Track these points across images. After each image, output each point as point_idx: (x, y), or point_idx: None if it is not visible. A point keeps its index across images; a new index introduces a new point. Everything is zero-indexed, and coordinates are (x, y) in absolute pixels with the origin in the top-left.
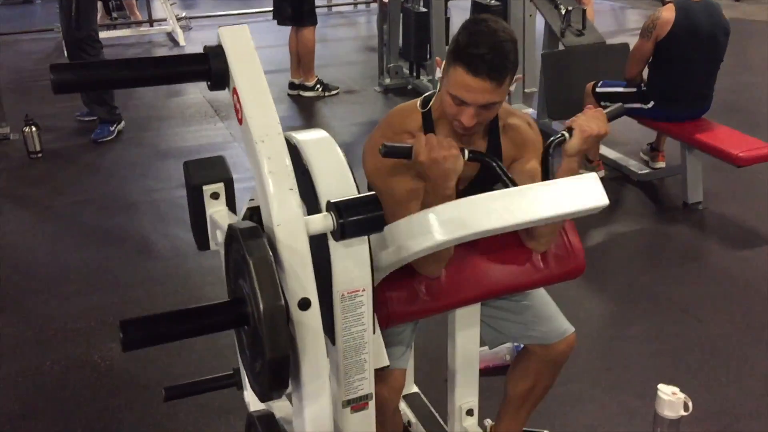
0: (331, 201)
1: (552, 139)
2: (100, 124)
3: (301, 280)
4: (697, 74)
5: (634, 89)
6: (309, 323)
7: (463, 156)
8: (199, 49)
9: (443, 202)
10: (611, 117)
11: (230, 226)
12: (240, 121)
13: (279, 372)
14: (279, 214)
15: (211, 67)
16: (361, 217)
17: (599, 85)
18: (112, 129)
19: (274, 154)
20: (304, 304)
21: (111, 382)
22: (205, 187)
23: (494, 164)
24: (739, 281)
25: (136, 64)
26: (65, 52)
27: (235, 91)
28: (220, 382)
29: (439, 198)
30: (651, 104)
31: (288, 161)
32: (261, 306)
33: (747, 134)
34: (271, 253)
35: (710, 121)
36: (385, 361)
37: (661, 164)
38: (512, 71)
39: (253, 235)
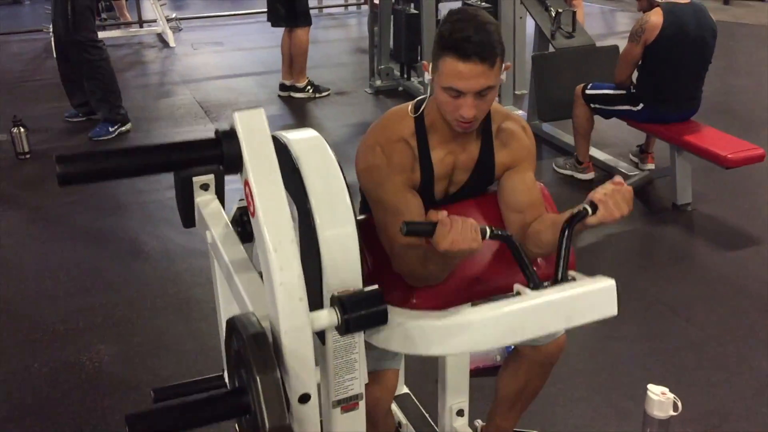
0: (335, 296)
1: (575, 213)
2: (101, 123)
3: (302, 378)
4: (686, 76)
5: (624, 91)
6: (308, 414)
7: (484, 237)
8: (189, 50)
9: (447, 266)
10: (636, 187)
11: (234, 325)
12: (252, 214)
13: None
14: (287, 323)
15: (224, 152)
16: (364, 313)
17: (589, 87)
18: (112, 129)
19: (286, 265)
20: (304, 398)
21: (100, 383)
22: (195, 179)
23: (517, 251)
24: (728, 281)
25: (145, 153)
26: (54, 53)
27: (247, 183)
28: (209, 384)
29: (444, 265)
30: (640, 106)
31: (299, 271)
32: (267, 425)
33: (735, 136)
34: (278, 373)
35: (699, 123)
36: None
37: (651, 166)
38: (501, 53)
39: (260, 349)
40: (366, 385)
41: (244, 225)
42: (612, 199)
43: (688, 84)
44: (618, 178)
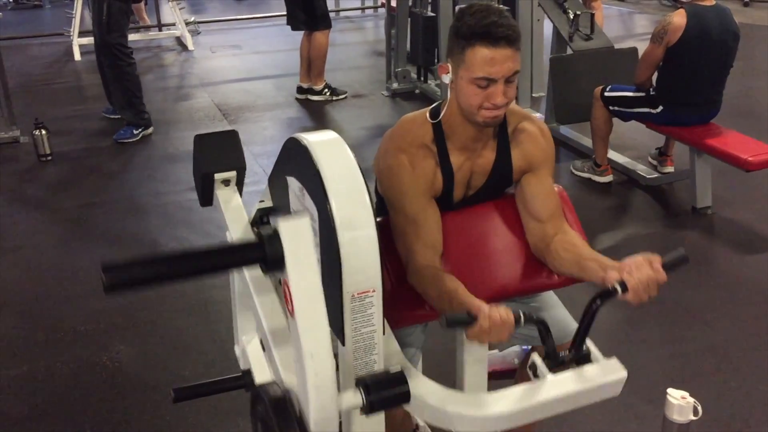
0: (360, 378)
1: (604, 291)
2: (125, 126)
3: None
4: (707, 79)
5: (643, 93)
6: None
7: (518, 324)
8: (207, 54)
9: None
10: (668, 268)
11: (261, 395)
12: (290, 313)
13: None
14: (317, 417)
15: (267, 253)
16: (387, 394)
17: (608, 89)
18: (136, 132)
19: (321, 371)
20: None
21: (120, 383)
22: (217, 176)
23: (546, 334)
24: (748, 286)
25: (190, 258)
26: (75, 55)
27: (286, 283)
28: (229, 384)
29: (452, 309)
30: (660, 109)
31: (333, 376)
32: None
33: (756, 138)
34: None
35: (719, 125)
36: (403, 362)
37: (670, 169)
38: (519, 37)
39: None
40: None
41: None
42: (644, 288)
43: (709, 87)
44: (657, 263)
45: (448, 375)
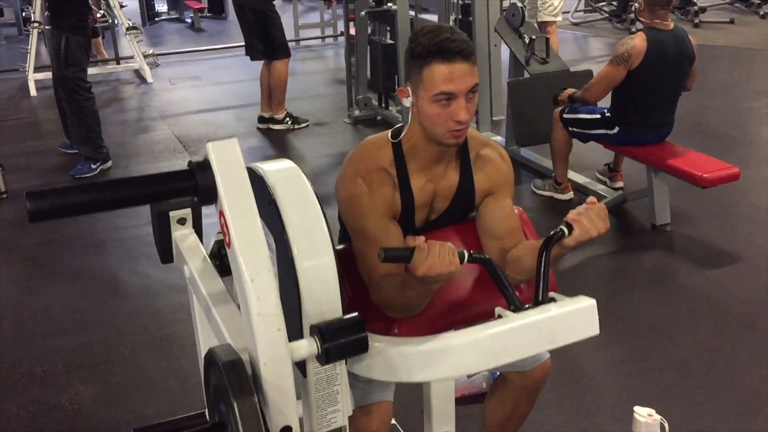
0: (314, 325)
1: (552, 234)
2: (83, 161)
3: (283, 411)
4: (662, 102)
5: (599, 115)
6: None
7: (462, 261)
8: (166, 85)
9: (426, 293)
10: (611, 207)
11: (212, 353)
12: (227, 245)
13: None
14: (266, 355)
15: (198, 183)
16: (344, 341)
17: (567, 111)
18: (94, 167)
19: (263, 295)
20: (286, 430)
21: (80, 425)
22: (171, 213)
23: (497, 273)
24: (709, 301)
25: (117, 186)
26: (31, 90)
27: (222, 214)
28: (193, 422)
29: (423, 291)
30: (616, 129)
31: (277, 301)
32: None
33: (710, 155)
34: (257, 399)
35: (674, 144)
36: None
37: (620, 184)
38: (474, 51)
39: (237, 374)
40: (362, 417)
41: (222, 258)
42: (586, 218)
43: (663, 108)
44: (591, 198)
45: (417, 403)
